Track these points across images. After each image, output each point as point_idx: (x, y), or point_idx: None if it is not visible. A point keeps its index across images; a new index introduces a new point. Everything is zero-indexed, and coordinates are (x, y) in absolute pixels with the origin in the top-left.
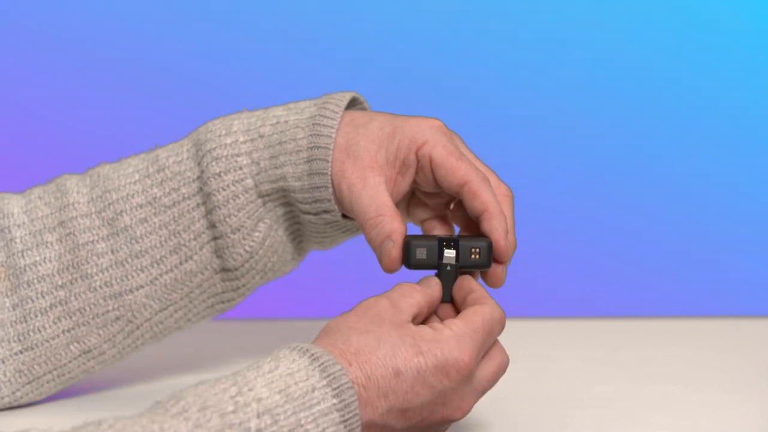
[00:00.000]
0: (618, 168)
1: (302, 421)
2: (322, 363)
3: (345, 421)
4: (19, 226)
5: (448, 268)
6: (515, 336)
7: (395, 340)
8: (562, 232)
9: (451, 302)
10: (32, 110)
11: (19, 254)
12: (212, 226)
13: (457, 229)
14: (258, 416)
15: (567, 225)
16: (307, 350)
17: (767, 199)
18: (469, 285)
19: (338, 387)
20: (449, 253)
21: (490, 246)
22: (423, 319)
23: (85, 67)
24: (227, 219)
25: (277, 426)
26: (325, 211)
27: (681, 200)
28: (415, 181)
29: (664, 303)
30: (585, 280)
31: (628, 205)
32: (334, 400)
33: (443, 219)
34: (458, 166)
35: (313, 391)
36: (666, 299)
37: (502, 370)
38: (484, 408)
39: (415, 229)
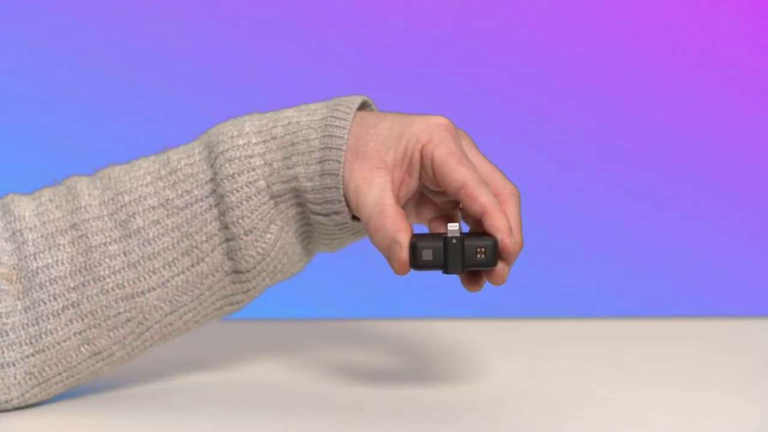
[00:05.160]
0: (618, 167)
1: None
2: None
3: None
4: (31, 229)
5: (454, 241)
6: (515, 336)
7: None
8: (562, 232)
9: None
10: (39, 109)
11: (32, 257)
12: (225, 227)
13: (465, 228)
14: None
15: (567, 225)
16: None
17: (767, 199)
18: None
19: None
20: (452, 227)
21: (495, 244)
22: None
23: (91, 66)
24: (240, 221)
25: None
26: (336, 212)
27: (681, 200)
28: (421, 180)
29: (664, 303)
30: (585, 280)
31: (628, 204)
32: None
33: (451, 218)
34: (456, 169)
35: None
36: (666, 299)
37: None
38: (484, 407)
39: (422, 228)
